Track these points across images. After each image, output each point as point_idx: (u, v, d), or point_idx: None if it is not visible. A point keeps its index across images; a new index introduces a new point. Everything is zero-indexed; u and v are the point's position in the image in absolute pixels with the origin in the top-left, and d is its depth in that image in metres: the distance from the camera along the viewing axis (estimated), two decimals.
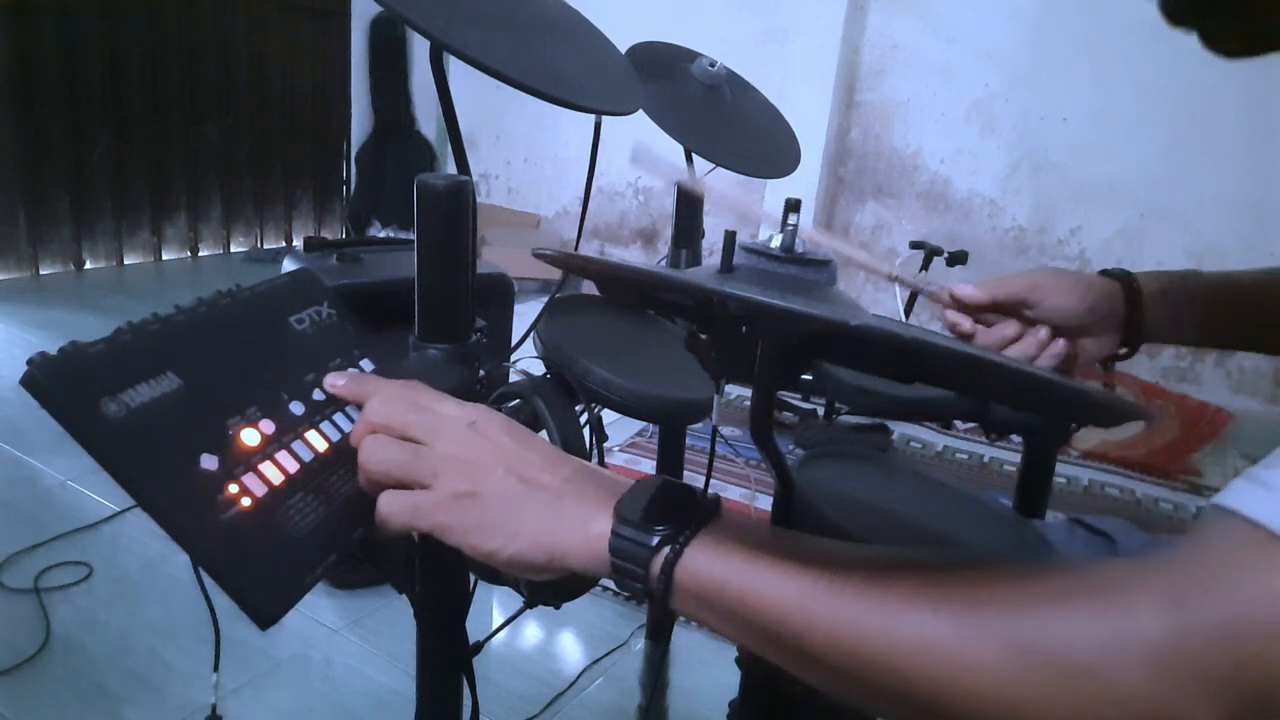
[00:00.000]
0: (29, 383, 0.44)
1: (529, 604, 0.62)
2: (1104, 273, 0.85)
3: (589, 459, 0.69)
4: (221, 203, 4.56)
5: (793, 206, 0.52)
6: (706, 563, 0.45)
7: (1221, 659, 0.34)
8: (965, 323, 0.82)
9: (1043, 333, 0.81)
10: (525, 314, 0.93)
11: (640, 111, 0.84)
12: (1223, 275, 0.85)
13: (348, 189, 4.96)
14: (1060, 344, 0.81)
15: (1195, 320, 0.85)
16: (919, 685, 0.39)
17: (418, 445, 0.51)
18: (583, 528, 0.47)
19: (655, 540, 0.45)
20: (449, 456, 0.50)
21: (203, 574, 0.47)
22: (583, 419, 0.76)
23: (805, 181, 3.62)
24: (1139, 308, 0.83)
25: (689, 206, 1.15)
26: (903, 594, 0.41)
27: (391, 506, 0.50)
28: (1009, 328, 0.81)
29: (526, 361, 0.84)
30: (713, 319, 0.52)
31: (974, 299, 0.82)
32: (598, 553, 0.47)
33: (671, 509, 0.47)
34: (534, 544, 0.48)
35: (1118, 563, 0.39)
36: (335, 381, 0.57)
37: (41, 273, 3.88)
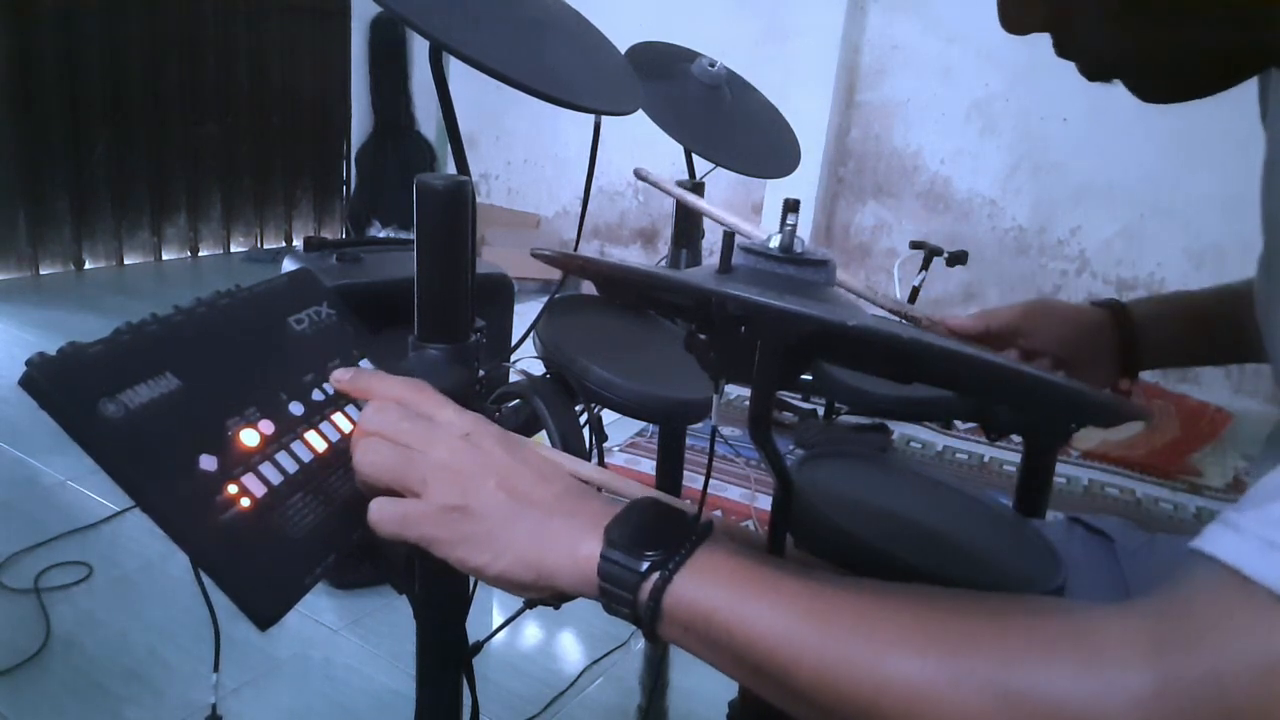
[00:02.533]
0: (27, 383, 0.44)
1: (529, 604, 0.62)
2: (1095, 302, 0.86)
3: (589, 459, 0.69)
4: (221, 203, 4.57)
5: (791, 207, 0.52)
6: (695, 591, 0.44)
7: (1209, 711, 0.34)
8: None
9: (1045, 362, 0.81)
10: (525, 314, 0.93)
11: (640, 111, 0.84)
12: (1213, 290, 0.86)
13: (348, 189, 4.96)
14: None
15: (1191, 340, 0.86)
16: None
17: (411, 451, 0.50)
18: (571, 548, 0.47)
19: (644, 566, 0.45)
20: (440, 466, 0.49)
21: (202, 574, 0.47)
22: (582, 419, 0.76)
23: (805, 181, 3.62)
24: (1132, 335, 0.84)
25: (689, 207, 1.15)
26: (892, 635, 0.40)
27: (381, 514, 0.50)
28: (1010, 354, 0.81)
29: (526, 361, 0.84)
30: (711, 319, 0.52)
31: (967, 329, 0.83)
32: (586, 575, 0.46)
33: (662, 532, 0.46)
34: (521, 562, 0.47)
35: (1105, 609, 0.39)
36: (340, 376, 0.57)
37: (41, 273, 3.89)
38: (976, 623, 0.40)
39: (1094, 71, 0.50)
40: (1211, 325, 0.85)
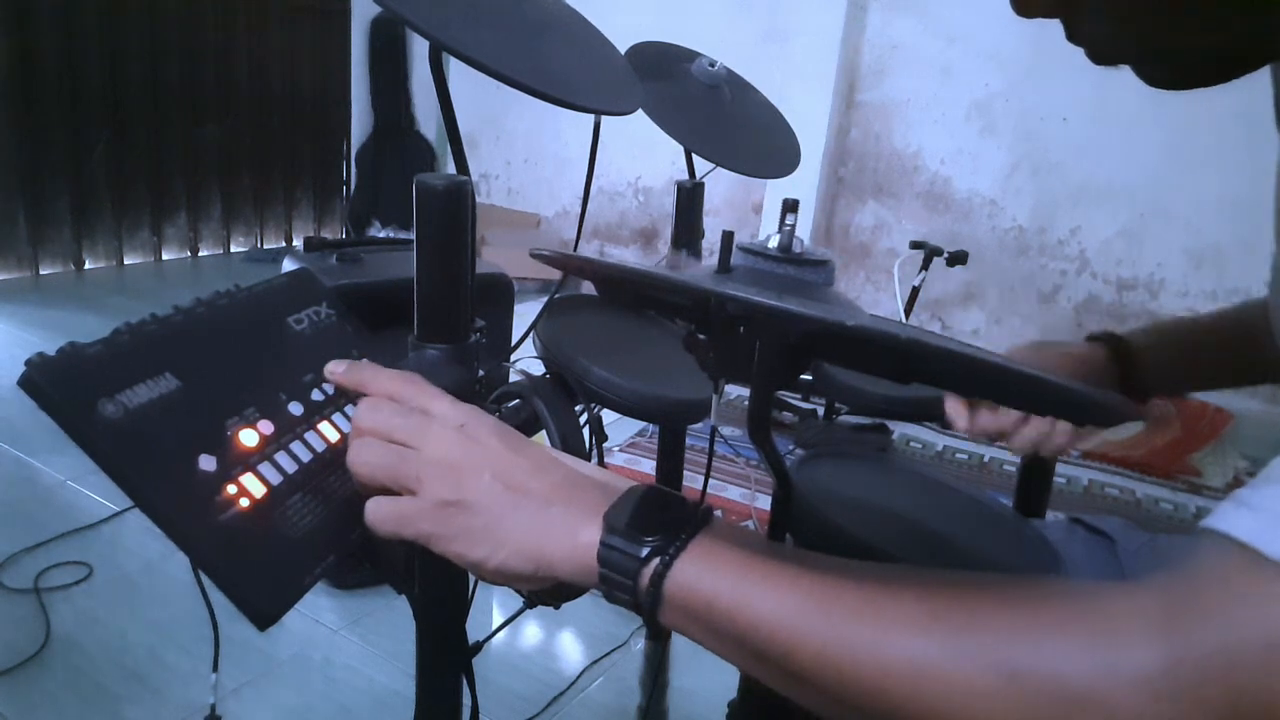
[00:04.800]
0: (26, 384, 0.44)
1: (529, 604, 0.62)
2: (1091, 338, 0.86)
3: (589, 459, 0.69)
4: (221, 203, 4.56)
5: (790, 207, 0.52)
6: (695, 576, 0.44)
7: (1216, 687, 0.33)
8: (961, 420, 0.80)
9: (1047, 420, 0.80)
10: (525, 314, 0.93)
11: (640, 111, 0.84)
12: (1211, 316, 0.86)
13: (348, 189, 4.96)
14: (1065, 427, 0.79)
15: (1189, 368, 0.85)
16: (909, 709, 0.39)
17: (405, 449, 0.50)
18: (570, 536, 0.46)
19: (644, 551, 0.44)
20: (435, 462, 0.49)
21: (202, 574, 0.47)
22: (582, 419, 0.76)
23: (805, 181, 3.62)
24: (1132, 369, 0.83)
25: (689, 207, 1.15)
26: (895, 615, 0.40)
27: (378, 513, 0.50)
28: (1013, 413, 0.80)
29: (526, 361, 0.84)
30: (710, 319, 0.52)
31: (987, 429, 0.80)
32: (586, 562, 0.46)
33: (662, 518, 0.46)
34: (520, 553, 0.47)
35: (1111, 587, 0.38)
36: (335, 369, 0.56)
37: (41, 273, 3.88)
38: (980, 600, 0.40)
39: (1102, 56, 0.49)
40: (1211, 351, 0.85)
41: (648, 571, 0.44)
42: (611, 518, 0.46)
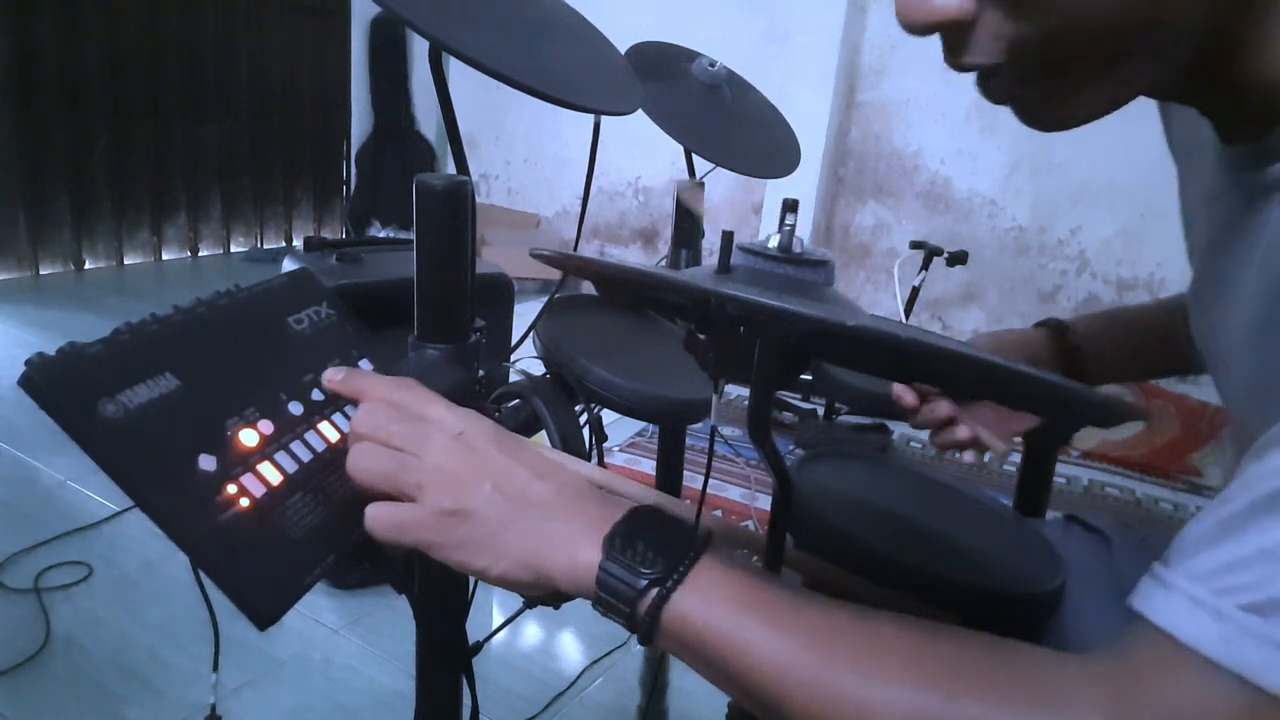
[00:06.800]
0: (26, 384, 0.44)
1: (529, 604, 0.62)
2: (1038, 324, 0.88)
3: (589, 459, 0.69)
4: (221, 203, 4.57)
5: (790, 207, 0.52)
6: (693, 609, 0.45)
7: None
8: (908, 396, 0.82)
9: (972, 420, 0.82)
10: (525, 314, 0.93)
11: (640, 111, 0.84)
12: (1146, 306, 0.88)
13: (348, 189, 4.96)
14: (1003, 429, 0.82)
15: (1129, 357, 0.87)
16: None
17: (404, 455, 0.50)
18: (570, 553, 0.47)
19: (643, 583, 0.45)
20: (435, 469, 0.49)
21: (202, 574, 0.47)
22: (582, 419, 0.76)
23: (805, 181, 3.62)
24: (1075, 356, 0.85)
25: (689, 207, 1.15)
26: (884, 677, 0.42)
27: (378, 520, 0.50)
28: (941, 408, 0.81)
29: (526, 361, 0.84)
30: (710, 319, 0.52)
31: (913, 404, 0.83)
32: (585, 581, 0.47)
33: (661, 545, 0.46)
34: (520, 564, 0.48)
35: (1079, 662, 0.42)
36: (332, 377, 0.57)
37: (41, 273, 3.89)
38: (965, 665, 0.42)
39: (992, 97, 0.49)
40: (1147, 341, 0.86)
41: (645, 602, 0.45)
42: (610, 543, 0.47)
